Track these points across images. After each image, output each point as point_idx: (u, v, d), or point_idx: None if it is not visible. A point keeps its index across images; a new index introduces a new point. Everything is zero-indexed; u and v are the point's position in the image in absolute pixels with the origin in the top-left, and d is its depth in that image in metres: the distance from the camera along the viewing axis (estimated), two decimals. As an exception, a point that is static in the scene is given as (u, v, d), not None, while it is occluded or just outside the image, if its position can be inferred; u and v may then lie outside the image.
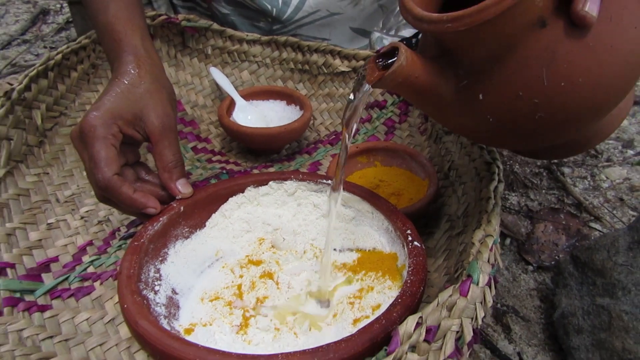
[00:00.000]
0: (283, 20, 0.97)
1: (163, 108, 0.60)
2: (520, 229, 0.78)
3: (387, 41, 0.97)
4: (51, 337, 0.54)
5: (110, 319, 0.57)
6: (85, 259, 0.64)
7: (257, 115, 0.88)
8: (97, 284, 0.60)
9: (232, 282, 0.59)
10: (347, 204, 0.61)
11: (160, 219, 0.56)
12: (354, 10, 0.99)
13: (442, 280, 0.57)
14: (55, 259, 0.64)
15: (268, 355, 0.41)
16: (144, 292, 0.50)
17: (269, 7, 0.95)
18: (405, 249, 0.53)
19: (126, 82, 0.60)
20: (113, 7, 0.66)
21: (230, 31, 0.92)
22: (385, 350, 0.39)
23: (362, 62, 0.89)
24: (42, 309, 0.57)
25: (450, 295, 0.41)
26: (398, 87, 0.43)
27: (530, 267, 0.73)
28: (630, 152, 0.95)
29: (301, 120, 0.82)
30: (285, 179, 0.63)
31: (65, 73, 0.80)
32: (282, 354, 0.40)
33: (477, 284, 0.42)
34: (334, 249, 0.62)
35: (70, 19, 1.48)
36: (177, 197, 0.59)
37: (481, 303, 0.42)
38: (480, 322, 0.41)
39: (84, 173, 0.76)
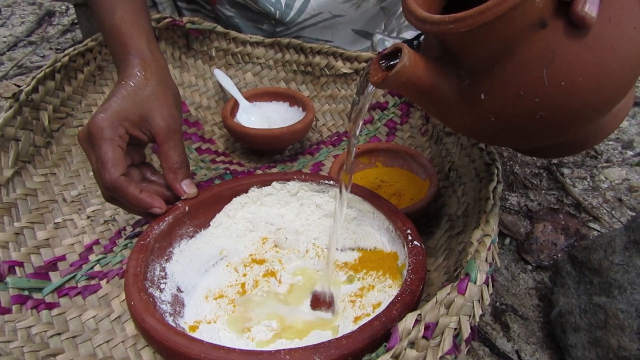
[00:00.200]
0: (286, 23, 0.98)
1: (168, 110, 0.61)
2: (519, 228, 0.79)
3: (389, 43, 0.98)
4: (59, 334, 0.56)
5: (116, 316, 0.58)
6: (92, 257, 0.65)
7: (260, 117, 0.89)
8: (103, 282, 0.62)
9: (236, 280, 0.60)
10: (348, 204, 0.62)
11: (166, 218, 0.57)
12: (356, 12, 1.00)
13: (442, 279, 0.58)
14: (63, 258, 0.65)
15: (271, 352, 0.41)
16: (150, 290, 0.51)
17: (272, 9, 0.96)
18: (406, 248, 0.54)
19: (132, 85, 0.61)
20: (119, 11, 0.67)
21: (233, 33, 0.93)
22: (385, 346, 0.40)
23: (364, 64, 0.90)
24: (50, 306, 0.58)
25: (449, 293, 0.42)
26: (401, 87, 0.44)
27: (529, 267, 0.73)
28: (630, 153, 0.96)
29: (304, 122, 0.83)
30: (288, 180, 0.64)
31: (72, 75, 0.82)
32: (284, 350, 0.41)
33: (475, 283, 0.43)
34: (335, 249, 0.63)
35: (76, 21, 1.49)
36: (182, 197, 0.60)
37: (479, 301, 0.43)
38: (477, 319, 0.42)
39: (90, 173, 0.77)
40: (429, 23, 0.41)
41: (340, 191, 0.55)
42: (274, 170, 0.83)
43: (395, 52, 0.44)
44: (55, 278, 0.62)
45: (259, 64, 0.96)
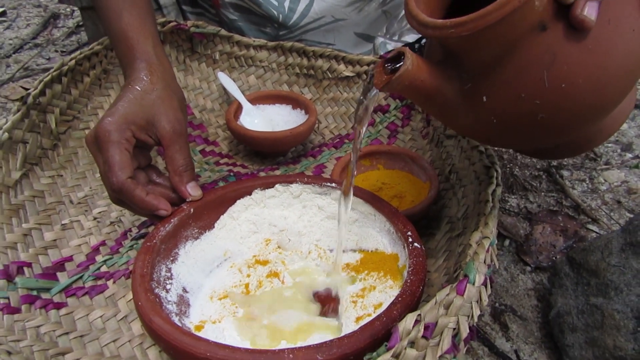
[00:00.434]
0: (289, 26, 0.99)
1: (174, 114, 0.62)
2: (519, 230, 0.80)
3: (391, 46, 0.99)
4: (67, 333, 0.57)
5: (123, 316, 0.59)
6: (99, 258, 0.67)
7: (263, 119, 0.90)
8: (110, 282, 0.63)
9: (240, 281, 0.61)
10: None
11: (171, 220, 0.58)
12: (359, 16, 1.01)
13: (442, 280, 0.59)
14: (70, 259, 0.66)
15: (274, 351, 0.43)
16: (157, 290, 0.52)
17: (276, 13, 0.97)
18: (406, 250, 0.55)
19: (139, 89, 0.62)
20: (126, 15, 0.68)
21: (237, 37, 0.94)
22: (386, 345, 0.41)
23: (365, 67, 0.91)
24: (58, 306, 0.60)
25: (448, 294, 0.43)
26: (404, 90, 0.45)
27: (528, 268, 0.74)
28: (629, 155, 0.97)
29: (306, 124, 0.84)
30: (291, 182, 0.66)
31: (78, 78, 0.83)
32: (288, 349, 0.42)
33: (474, 284, 0.44)
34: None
35: (81, 23, 1.50)
36: (187, 200, 0.61)
37: (477, 302, 0.44)
38: (476, 319, 0.43)
39: (97, 175, 0.78)
40: (431, 27, 0.42)
41: (347, 194, 0.56)
42: (277, 172, 0.84)
43: (398, 56, 0.44)
44: (63, 278, 0.63)
45: (262, 67, 0.97)
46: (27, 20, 1.60)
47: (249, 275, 0.62)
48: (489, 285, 0.46)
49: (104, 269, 0.65)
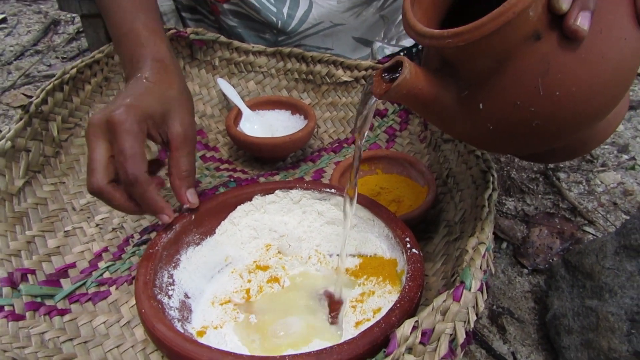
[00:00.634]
0: (288, 32, 1.00)
1: (188, 118, 0.61)
2: (516, 233, 0.81)
3: (388, 50, 0.99)
4: (71, 339, 0.58)
5: (126, 321, 0.60)
6: (101, 264, 0.67)
7: (263, 125, 0.91)
8: (112, 288, 0.63)
9: (241, 286, 0.62)
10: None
11: (173, 227, 0.59)
12: (356, 21, 1.02)
13: (440, 284, 0.60)
14: (73, 265, 0.67)
15: (275, 357, 0.43)
16: (159, 296, 0.53)
17: (275, 19, 0.98)
18: (404, 255, 0.55)
19: (155, 83, 0.60)
20: (142, 17, 0.67)
21: (236, 43, 0.95)
22: (384, 351, 0.42)
23: (364, 72, 0.92)
24: (62, 312, 0.60)
25: (444, 301, 0.44)
26: (403, 98, 0.45)
27: (526, 270, 0.75)
28: (625, 156, 0.98)
29: (305, 130, 0.85)
30: (291, 188, 0.66)
31: (80, 86, 0.83)
32: (289, 355, 0.43)
33: (470, 290, 0.45)
34: (337, 255, 0.65)
35: (81, 29, 1.51)
36: (184, 206, 0.60)
37: (473, 307, 0.45)
38: (472, 324, 0.44)
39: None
40: (428, 37, 0.43)
41: (351, 201, 0.57)
42: (277, 177, 0.85)
43: (396, 66, 0.45)
44: (66, 285, 0.64)
45: (261, 72, 0.98)
46: (28, 26, 1.60)
47: (249, 281, 0.63)
48: (485, 291, 0.47)
49: (106, 275, 0.66)
